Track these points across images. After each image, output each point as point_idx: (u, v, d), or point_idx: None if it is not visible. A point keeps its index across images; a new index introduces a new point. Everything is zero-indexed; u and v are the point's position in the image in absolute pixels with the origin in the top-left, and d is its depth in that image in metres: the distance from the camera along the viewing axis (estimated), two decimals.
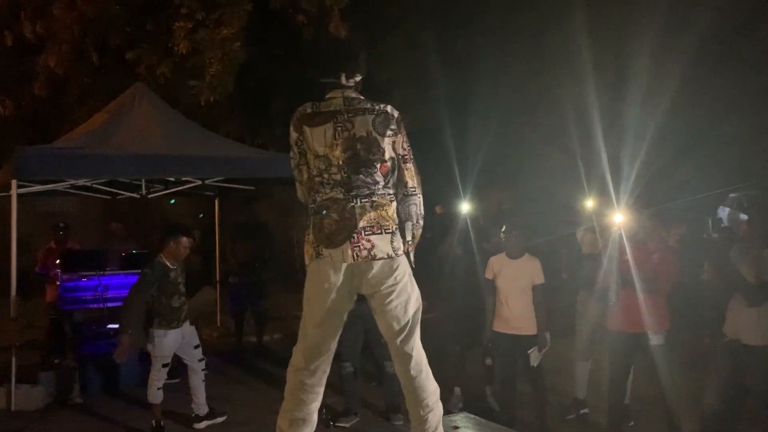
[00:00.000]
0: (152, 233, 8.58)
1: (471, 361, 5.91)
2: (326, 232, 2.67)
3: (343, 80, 2.81)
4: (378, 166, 2.71)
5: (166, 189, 8.20)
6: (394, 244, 2.69)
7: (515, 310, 5.04)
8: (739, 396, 4.19)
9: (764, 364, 3.92)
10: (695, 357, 5.56)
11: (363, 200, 2.68)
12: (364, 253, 2.64)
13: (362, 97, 2.82)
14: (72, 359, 6.32)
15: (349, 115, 2.73)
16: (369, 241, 2.65)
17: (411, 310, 2.76)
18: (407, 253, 2.80)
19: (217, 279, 8.75)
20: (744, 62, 8.95)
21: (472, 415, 4.39)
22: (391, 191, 2.76)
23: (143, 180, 7.79)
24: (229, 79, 7.94)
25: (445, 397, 5.65)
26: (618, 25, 8.22)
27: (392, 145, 2.76)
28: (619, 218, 4.71)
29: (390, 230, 2.70)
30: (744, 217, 10.86)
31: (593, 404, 5.42)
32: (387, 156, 2.74)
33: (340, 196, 2.70)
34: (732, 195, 11.82)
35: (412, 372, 2.76)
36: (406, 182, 2.80)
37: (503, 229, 5.28)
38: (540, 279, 5.04)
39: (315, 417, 2.90)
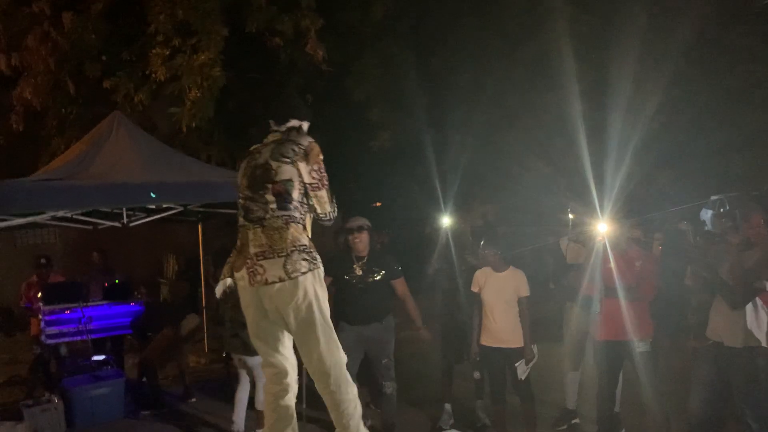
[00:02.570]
0: (135, 262, 8.50)
1: (459, 376, 5.88)
2: (232, 258, 2.95)
3: (273, 125, 3.09)
4: (269, 187, 2.85)
5: (148, 217, 8.13)
6: (288, 267, 2.77)
7: (501, 323, 5.04)
8: (724, 398, 4.20)
9: (747, 365, 3.93)
10: (681, 362, 5.56)
11: (255, 226, 2.86)
12: (258, 278, 2.81)
13: (290, 137, 2.98)
14: (57, 394, 6.22)
15: (262, 148, 2.99)
16: (261, 266, 2.81)
17: (322, 329, 2.85)
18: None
19: (203, 305, 8.68)
20: (721, 69, 9.09)
21: None
22: (287, 213, 2.84)
23: (124, 209, 7.73)
24: (209, 104, 7.92)
25: (436, 414, 5.68)
26: (596, 35, 8.31)
27: (292, 169, 2.85)
28: (603, 227, 4.73)
29: (284, 254, 2.78)
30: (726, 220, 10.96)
31: (584, 414, 5.42)
32: (280, 179, 2.84)
33: (242, 222, 2.94)
34: (714, 198, 11.90)
35: (332, 388, 2.90)
36: (316, 209, 2.95)
37: (482, 244, 5.30)
38: (525, 291, 5.05)
39: None
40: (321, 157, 2.94)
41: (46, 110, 8.78)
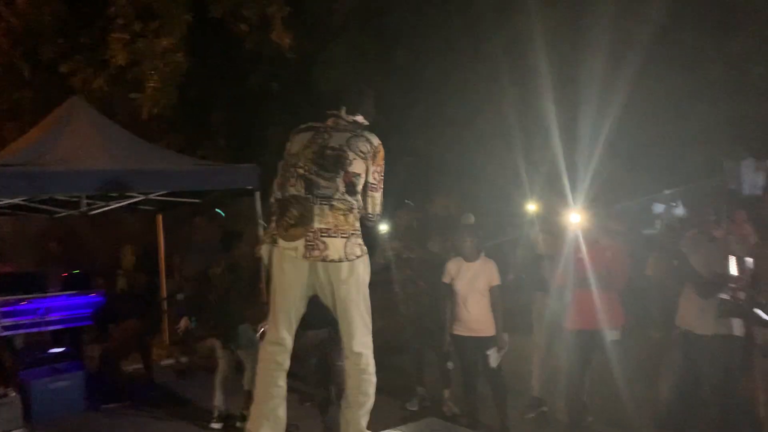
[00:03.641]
0: (93, 252, 8.26)
1: (430, 365, 5.93)
2: (285, 226, 2.90)
3: (343, 113, 3.07)
4: (342, 174, 2.90)
5: (108, 205, 7.91)
6: (348, 249, 2.88)
7: (473, 312, 5.09)
8: (693, 385, 4.34)
9: (716, 353, 4.07)
10: (645, 350, 5.73)
11: (322, 202, 2.88)
12: (317, 253, 2.86)
13: (362, 132, 3.03)
14: (13, 387, 5.99)
15: (331, 130, 3.01)
16: (324, 242, 2.86)
17: (362, 312, 2.97)
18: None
19: (164, 296, 8.50)
20: (672, 66, 9.34)
21: (439, 420, 4.39)
22: (351, 200, 2.92)
23: (83, 196, 7.50)
24: (172, 90, 7.75)
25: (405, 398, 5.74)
26: (561, 30, 8.44)
27: (363, 165, 2.95)
28: (575, 218, 4.82)
29: (346, 235, 2.89)
30: (679, 212, 11.35)
31: (553, 402, 5.51)
32: (353, 170, 2.92)
33: (302, 193, 2.91)
34: (666, 192, 12.32)
35: (362, 366, 3.00)
36: (367, 208, 3.02)
37: (456, 234, 5.34)
38: (496, 280, 5.11)
39: (282, 416, 3.07)
40: (383, 161, 3.04)
41: None
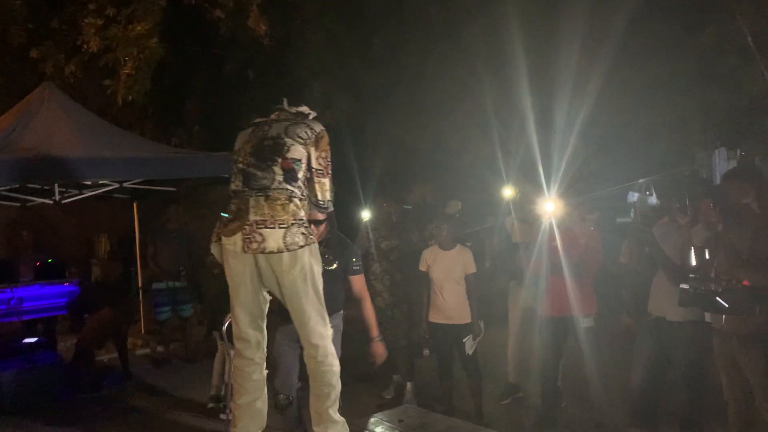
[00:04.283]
0: (67, 241, 8.15)
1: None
2: (225, 222, 2.92)
3: (285, 105, 3.11)
4: (278, 161, 2.88)
5: (81, 193, 7.80)
6: (288, 239, 2.82)
7: (449, 301, 5.14)
8: (663, 371, 4.44)
9: (688, 338, 4.16)
10: (618, 337, 5.83)
11: (258, 194, 2.86)
12: (254, 245, 2.83)
13: (303, 120, 3.04)
14: None
15: (272, 122, 3.03)
16: (260, 234, 2.82)
17: (313, 302, 2.93)
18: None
19: (140, 286, 8.43)
20: (646, 56, 9.43)
21: (415, 407, 4.45)
22: (290, 188, 2.88)
23: (56, 185, 7.39)
24: (146, 77, 7.63)
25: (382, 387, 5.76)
26: (538, 19, 8.46)
27: (303, 150, 2.92)
28: (550, 207, 4.88)
29: (285, 225, 2.83)
30: (653, 201, 11.50)
31: (527, 388, 5.60)
32: (290, 156, 2.90)
33: (240, 186, 2.91)
34: (640, 181, 12.48)
35: (319, 358, 2.98)
36: (316, 194, 3.01)
37: (433, 222, 5.38)
38: (472, 269, 5.16)
39: (261, 408, 3.10)
40: (329, 146, 3.02)
41: None
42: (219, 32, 8.46)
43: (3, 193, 7.19)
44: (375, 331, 4.10)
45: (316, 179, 2.98)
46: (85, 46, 7.66)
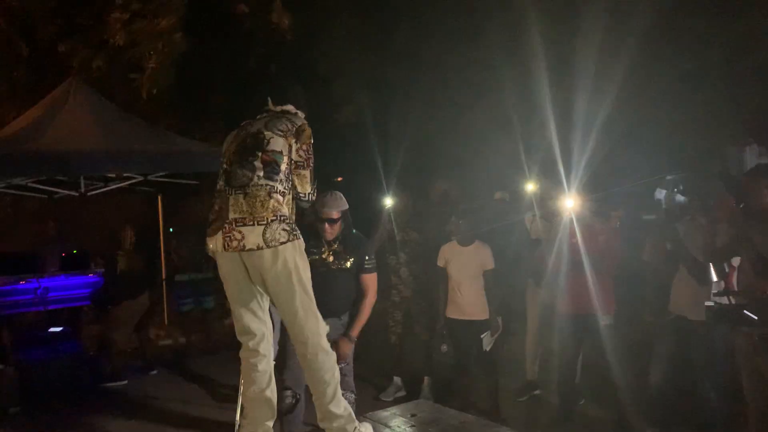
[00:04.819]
0: (92, 233, 8.29)
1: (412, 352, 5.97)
2: (209, 223, 2.93)
3: (270, 105, 3.09)
4: (259, 155, 2.87)
5: (106, 186, 7.93)
6: (267, 235, 2.78)
7: (467, 296, 5.11)
8: (683, 371, 4.37)
9: (709, 338, 4.08)
10: (638, 335, 5.75)
11: (237, 192, 2.85)
12: (234, 243, 2.81)
13: (285, 114, 3.03)
14: (11, 365, 6.05)
15: (255, 121, 3.02)
16: (240, 232, 2.80)
17: (300, 298, 2.89)
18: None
19: (163, 277, 8.54)
20: (673, 49, 9.26)
21: (429, 402, 4.43)
22: (271, 183, 2.86)
23: (82, 177, 7.51)
24: (170, 70, 7.72)
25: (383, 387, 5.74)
26: (560, 14, 8.36)
27: (283, 142, 2.90)
28: (570, 203, 4.82)
29: (264, 222, 2.80)
30: (681, 198, 11.30)
31: (545, 385, 5.55)
32: (270, 148, 2.88)
33: (222, 186, 2.92)
34: (668, 177, 12.22)
35: (309, 356, 2.95)
36: (296, 187, 2.99)
37: (451, 218, 5.35)
38: (490, 265, 5.13)
39: (270, 397, 3.08)
40: (311, 140, 2.99)
41: None
42: (242, 27, 8.51)
43: (30, 185, 7.34)
44: (355, 332, 3.95)
45: (296, 172, 2.96)
46: (112, 41, 7.78)
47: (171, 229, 8.18)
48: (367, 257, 4.01)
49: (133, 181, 7.78)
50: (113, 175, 7.46)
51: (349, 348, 3.92)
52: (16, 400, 5.85)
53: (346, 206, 3.95)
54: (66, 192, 7.59)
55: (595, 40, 7.86)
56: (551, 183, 5.77)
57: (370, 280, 4.02)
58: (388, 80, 8.93)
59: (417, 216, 5.95)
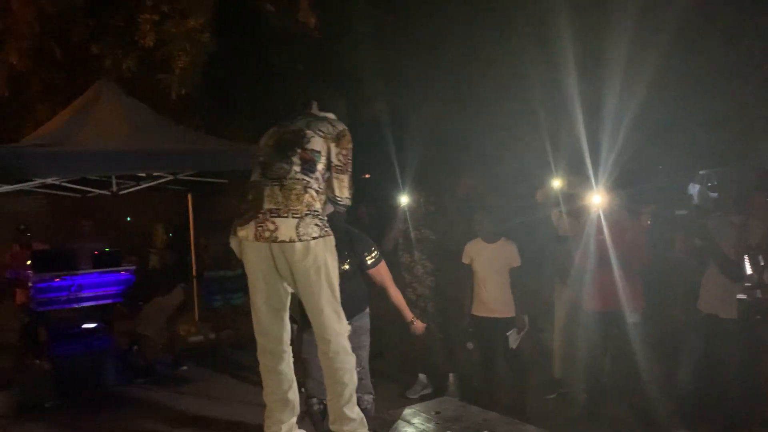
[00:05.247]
0: (124, 231, 8.45)
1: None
2: (241, 212, 2.89)
3: (314, 108, 3.10)
4: (298, 151, 2.87)
5: (138, 185, 8.07)
6: (301, 229, 2.78)
7: (493, 294, 5.09)
8: (713, 369, 4.29)
9: (740, 336, 4.00)
10: (668, 332, 5.66)
11: (273, 183, 2.83)
12: (266, 234, 2.78)
13: (327, 118, 3.03)
14: (47, 361, 6.21)
15: (295, 119, 3.02)
16: (273, 222, 2.78)
17: (326, 296, 2.88)
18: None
19: (193, 274, 8.67)
20: (712, 43, 9.08)
21: (453, 399, 4.42)
22: (307, 178, 2.86)
23: (113, 177, 7.66)
24: (199, 70, 7.82)
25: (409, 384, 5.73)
26: (590, 5, 8.25)
27: (323, 143, 2.91)
28: (597, 199, 4.76)
29: (298, 215, 2.79)
30: (714, 193, 11.08)
31: (572, 383, 5.49)
32: (310, 147, 2.88)
33: (258, 178, 2.90)
34: (701, 172, 12.02)
35: (330, 354, 2.93)
36: (334, 191, 2.97)
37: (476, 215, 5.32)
38: (516, 262, 5.09)
39: (292, 398, 3.07)
40: (351, 145, 3.00)
41: (30, 75, 8.62)
42: (269, 26, 8.58)
43: (64, 184, 7.50)
44: (409, 314, 4.14)
45: (335, 175, 2.94)
46: (141, 42, 7.90)
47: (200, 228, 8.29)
48: (366, 254, 3.95)
49: (163, 180, 7.89)
50: (144, 174, 7.58)
51: (421, 325, 4.24)
52: (52, 395, 6.01)
53: (332, 209, 3.75)
54: (99, 191, 7.74)
55: (626, 32, 7.74)
56: (578, 178, 5.71)
57: (379, 272, 3.99)
58: (414, 76, 8.91)
59: (432, 214, 5.92)
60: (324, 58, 9.05)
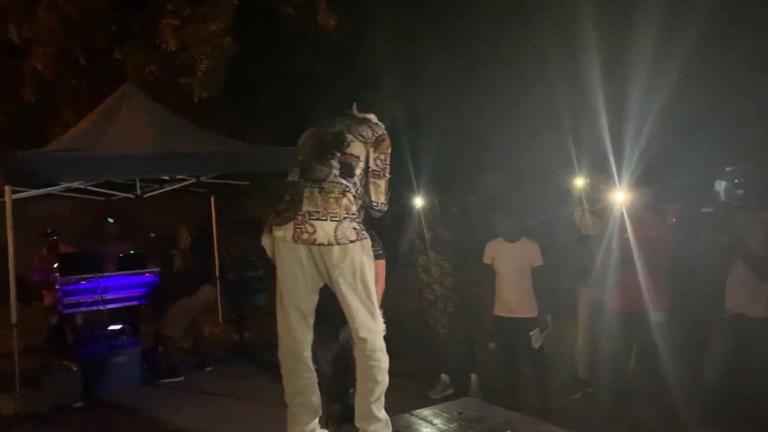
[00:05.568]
0: (148, 233, 8.55)
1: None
2: (278, 212, 2.89)
3: (354, 110, 3.09)
4: (337, 155, 2.88)
5: (161, 188, 8.17)
6: (339, 232, 2.80)
7: (515, 294, 5.05)
8: (740, 370, 4.21)
9: None
10: (693, 332, 5.57)
11: (313, 185, 2.85)
12: (305, 236, 2.80)
13: (366, 122, 3.02)
14: (74, 362, 6.32)
15: (336, 122, 3.02)
16: (312, 225, 2.80)
17: (362, 297, 2.90)
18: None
19: (217, 276, 8.74)
20: (732, 36, 8.93)
21: (476, 399, 4.41)
22: (345, 182, 2.87)
23: (137, 180, 7.76)
24: (220, 74, 7.89)
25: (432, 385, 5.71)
26: (614, 2, 8.16)
27: (362, 148, 2.92)
28: (620, 197, 4.71)
29: (337, 219, 2.81)
30: (740, 190, 10.87)
31: (596, 383, 5.44)
32: (349, 151, 2.89)
33: (297, 178, 2.90)
34: (728, 169, 11.80)
35: (367, 352, 2.95)
36: (370, 196, 2.98)
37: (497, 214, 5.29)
38: (538, 261, 5.05)
39: (315, 401, 3.08)
40: (389, 150, 3.00)
41: (56, 81, 8.76)
42: (289, 28, 8.61)
43: (89, 188, 7.62)
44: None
45: (372, 180, 2.95)
46: (164, 46, 7.99)
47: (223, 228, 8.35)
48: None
49: (187, 182, 7.98)
50: (167, 177, 7.66)
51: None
52: (80, 395, 6.11)
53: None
54: (123, 194, 7.85)
55: (651, 28, 7.65)
56: (602, 176, 5.64)
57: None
58: (436, 76, 8.89)
59: (451, 215, 5.88)
60: (344, 60, 9.06)
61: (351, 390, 3.72)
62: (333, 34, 8.26)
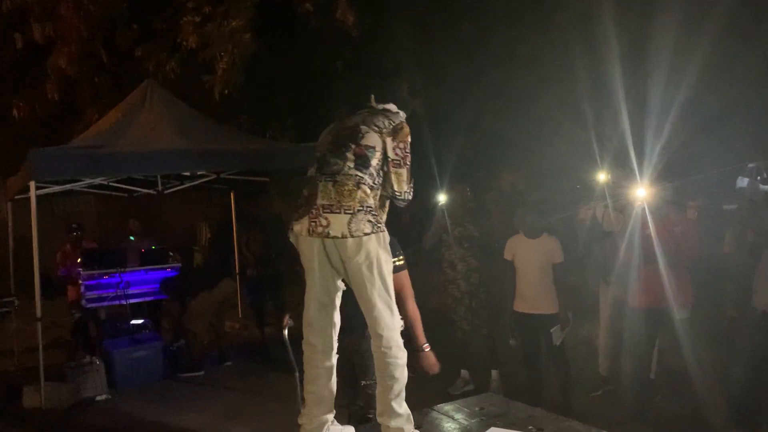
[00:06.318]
0: (169, 229, 8.64)
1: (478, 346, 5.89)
2: (296, 207, 2.91)
3: (372, 102, 3.07)
4: (352, 147, 2.87)
5: (182, 184, 8.23)
6: (352, 225, 2.78)
7: (535, 290, 5.03)
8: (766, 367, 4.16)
9: None
10: (718, 330, 5.51)
11: (327, 179, 2.85)
12: (319, 229, 2.80)
13: (384, 112, 3.00)
14: (98, 356, 6.40)
15: (353, 115, 3.01)
16: (326, 218, 2.80)
17: (379, 292, 2.88)
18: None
19: (236, 272, 8.80)
20: (757, 27, 8.79)
21: (497, 395, 4.39)
22: (361, 174, 2.85)
23: (159, 176, 7.83)
24: (241, 71, 7.94)
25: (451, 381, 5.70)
26: None
27: (378, 138, 2.89)
28: (642, 192, 4.66)
29: (350, 211, 2.80)
30: (765, 187, 10.72)
31: (619, 380, 5.39)
32: (364, 143, 2.87)
33: (314, 173, 2.91)
34: (750, 165, 11.64)
35: (383, 348, 2.93)
36: (393, 185, 2.96)
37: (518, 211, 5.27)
38: (559, 258, 5.02)
39: (327, 395, 3.06)
40: (409, 138, 2.96)
41: (79, 79, 8.87)
42: (308, 25, 8.63)
43: (111, 184, 7.71)
44: (422, 339, 3.70)
45: (392, 170, 2.92)
46: (184, 44, 8.05)
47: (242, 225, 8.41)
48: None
49: (207, 179, 8.03)
50: (188, 174, 7.73)
51: (432, 358, 3.74)
52: (104, 388, 6.19)
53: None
54: (145, 191, 7.92)
55: (672, 23, 7.55)
56: (623, 172, 5.60)
57: (399, 279, 3.57)
58: (456, 72, 8.85)
59: (475, 210, 5.87)
60: (363, 57, 9.05)
61: (362, 383, 3.75)
62: (352, 32, 8.26)
